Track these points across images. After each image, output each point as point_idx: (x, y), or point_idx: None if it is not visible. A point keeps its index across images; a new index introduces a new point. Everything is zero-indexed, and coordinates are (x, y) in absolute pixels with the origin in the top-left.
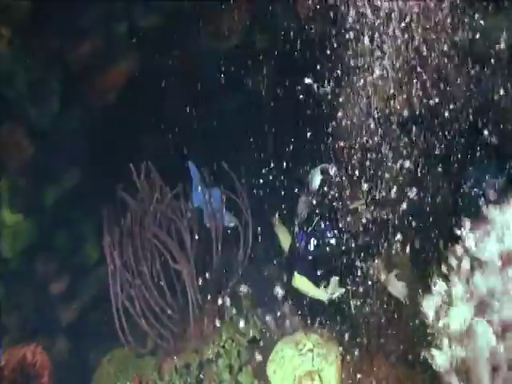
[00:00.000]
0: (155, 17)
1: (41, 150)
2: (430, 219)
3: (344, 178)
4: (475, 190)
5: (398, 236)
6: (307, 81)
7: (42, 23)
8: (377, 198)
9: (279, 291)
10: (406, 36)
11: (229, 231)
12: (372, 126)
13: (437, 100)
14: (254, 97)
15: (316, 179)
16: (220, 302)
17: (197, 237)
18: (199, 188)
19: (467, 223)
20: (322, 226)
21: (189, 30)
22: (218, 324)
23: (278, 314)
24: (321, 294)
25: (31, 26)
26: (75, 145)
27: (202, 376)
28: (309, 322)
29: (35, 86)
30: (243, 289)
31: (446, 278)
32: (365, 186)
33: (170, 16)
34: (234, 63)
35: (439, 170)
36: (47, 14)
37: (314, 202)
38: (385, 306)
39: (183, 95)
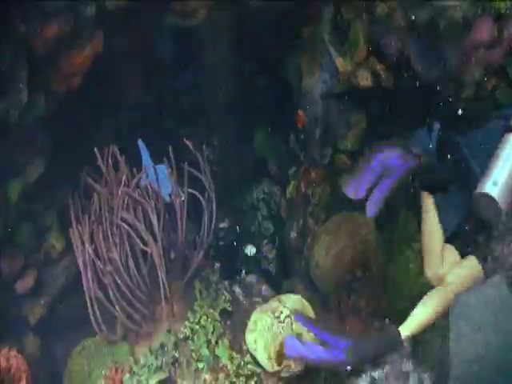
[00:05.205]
0: None
1: (5, 144)
2: None
3: None
4: None
5: None
6: None
7: (8, 9)
8: None
9: None
10: None
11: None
12: None
13: None
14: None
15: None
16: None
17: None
18: (148, 165)
19: None
20: None
21: (155, 9)
22: (188, 301)
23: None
24: None
25: None
26: (39, 134)
27: (177, 355)
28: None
29: (3, 76)
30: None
31: None
32: None
33: None
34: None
35: None
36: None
37: None
38: None
39: (146, 75)
